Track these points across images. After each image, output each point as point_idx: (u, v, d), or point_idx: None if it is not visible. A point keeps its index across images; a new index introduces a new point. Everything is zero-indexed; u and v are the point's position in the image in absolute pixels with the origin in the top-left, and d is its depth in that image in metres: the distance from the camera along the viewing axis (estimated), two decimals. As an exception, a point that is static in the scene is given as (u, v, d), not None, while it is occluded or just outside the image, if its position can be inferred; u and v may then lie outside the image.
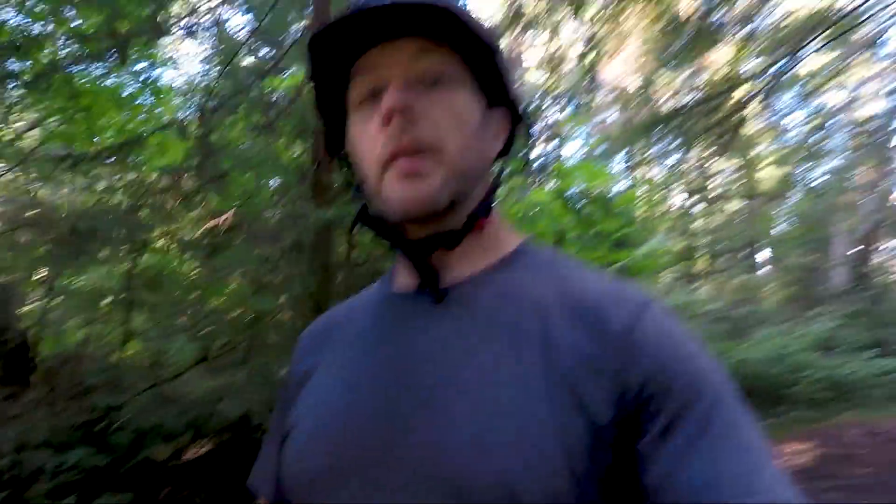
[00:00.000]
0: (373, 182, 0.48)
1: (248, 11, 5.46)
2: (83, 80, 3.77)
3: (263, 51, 5.76)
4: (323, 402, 0.50)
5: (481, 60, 0.48)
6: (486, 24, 0.50)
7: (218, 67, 4.71)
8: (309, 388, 0.54)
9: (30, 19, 3.14)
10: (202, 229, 3.26)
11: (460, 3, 0.49)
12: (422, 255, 0.50)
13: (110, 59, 3.05)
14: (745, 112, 5.26)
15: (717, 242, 13.58)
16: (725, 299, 9.81)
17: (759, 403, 5.78)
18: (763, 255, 14.13)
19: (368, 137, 0.47)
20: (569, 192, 5.10)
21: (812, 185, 13.75)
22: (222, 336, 3.44)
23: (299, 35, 4.08)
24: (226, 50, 5.03)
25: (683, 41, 4.99)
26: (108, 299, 3.73)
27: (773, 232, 13.48)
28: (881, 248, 14.43)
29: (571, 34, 6.27)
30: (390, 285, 0.56)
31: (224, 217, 3.11)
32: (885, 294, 11.20)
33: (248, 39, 4.79)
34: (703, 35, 4.88)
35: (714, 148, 5.81)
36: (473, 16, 0.46)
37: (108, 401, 3.05)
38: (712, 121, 5.39)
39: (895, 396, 5.95)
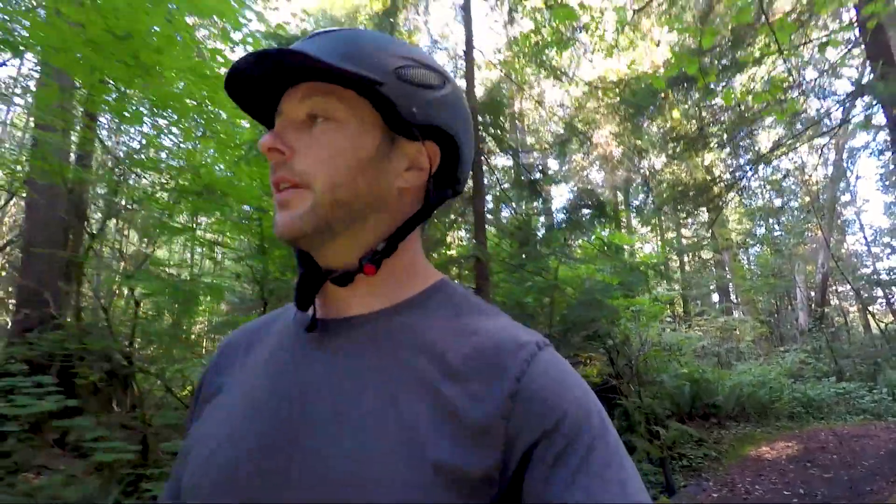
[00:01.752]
0: None
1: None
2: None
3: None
4: (217, 430, 0.50)
5: (378, 94, 0.48)
6: (389, 56, 0.49)
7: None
8: (211, 408, 0.54)
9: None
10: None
11: (358, 43, 0.49)
12: (308, 285, 0.52)
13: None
14: (726, 198, 7.13)
15: (699, 288, 15.50)
16: (711, 337, 11.55)
17: (754, 415, 7.38)
18: (737, 299, 16.12)
19: None
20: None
21: (771, 238, 16.01)
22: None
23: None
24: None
25: (678, 146, 6.84)
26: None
27: (745, 279, 15.49)
28: (835, 293, 16.71)
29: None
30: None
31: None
32: (838, 333, 13.24)
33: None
34: (696, 142, 6.76)
35: (703, 222, 7.64)
36: (369, 51, 0.49)
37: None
38: (701, 201, 7.24)
39: (850, 411, 7.69)
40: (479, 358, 0.46)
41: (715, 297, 17.85)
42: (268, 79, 0.50)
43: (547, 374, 0.45)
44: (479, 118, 4.70)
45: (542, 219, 6.24)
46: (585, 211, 5.02)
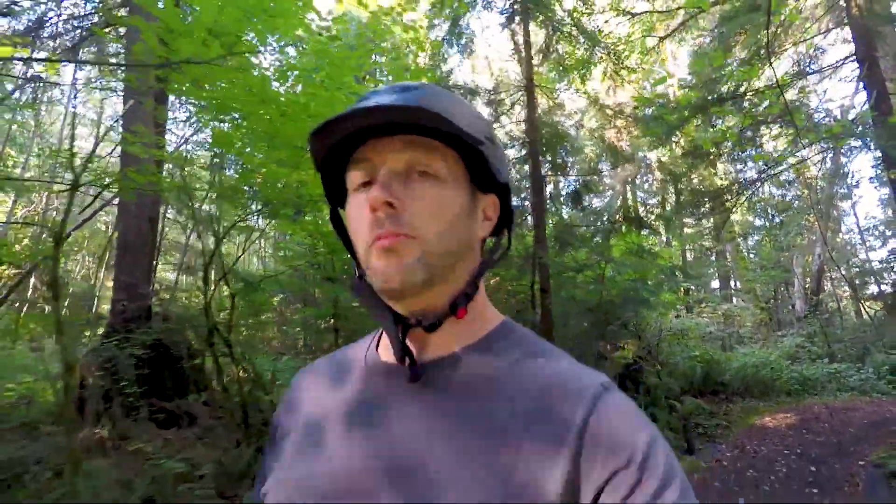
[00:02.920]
0: (362, 256, 0.53)
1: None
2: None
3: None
4: (297, 471, 0.52)
5: (470, 153, 0.53)
6: (478, 119, 0.55)
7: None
8: (288, 445, 0.56)
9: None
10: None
11: (453, 104, 0.53)
12: (400, 333, 0.53)
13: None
14: (736, 202, 8.08)
15: (701, 277, 16.53)
16: (715, 323, 12.62)
17: (757, 392, 8.47)
18: (738, 286, 17.19)
19: (362, 219, 0.52)
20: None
21: (770, 231, 16.99)
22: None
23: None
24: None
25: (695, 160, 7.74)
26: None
27: (747, 269, 16.52)
28: (829, 279, 17.78)
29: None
30: (377, 349, 0.59)
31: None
32: (832, 319, 14.36)
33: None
34: (708, 158, 7.69)
35: (713, 224, 8.63)
36: (464, 112, 0.53)
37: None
38: (715, 205, 8.18)
39: (840, 388, 8.80)
40: (546, 400, 0.48)
41: (714, 284, 18.95)
42: (366, 127, 0.51)
43: (614, 413, 0.47)
44: (543, 147, 5.61)
45: (583, 227, 7.21)
46: (621, 219, 5.96)
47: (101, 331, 6.53)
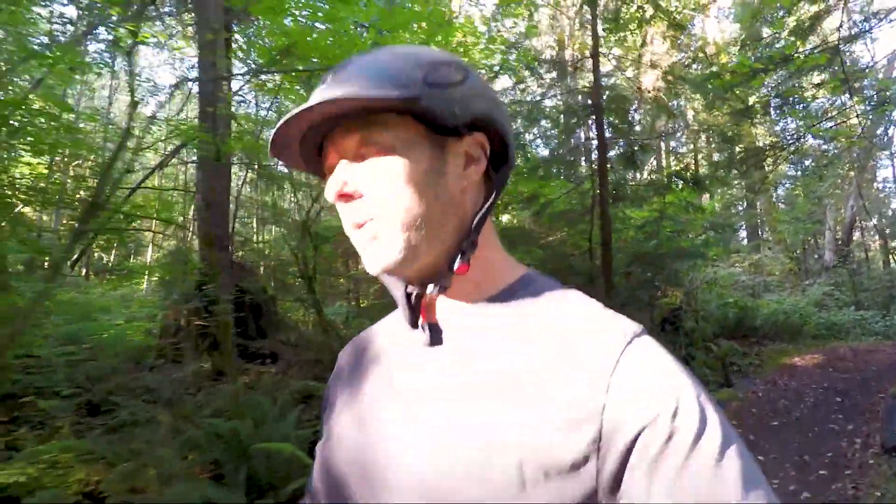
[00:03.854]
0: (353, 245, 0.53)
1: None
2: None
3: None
4: (340, 437, 0.57)
5: (417, 108, 0.49)
6: (414, 67, 0.50)
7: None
8: (334, 413, 0.61)
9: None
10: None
11: (373, 67, 0.50)
12: (411, 300, 0.55)
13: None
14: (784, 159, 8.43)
15: (728, 228, 16.90)
16: (745, 273, 13.20)
17: (786, 336, 9.19)
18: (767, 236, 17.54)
19: (339, 211, 0.53)
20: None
21: (807, 180, 17.07)
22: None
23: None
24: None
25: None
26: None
27: (779, 221, 16.81)
28: (860, 227, 17.98)
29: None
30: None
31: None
32: (860, 268, 14.78)
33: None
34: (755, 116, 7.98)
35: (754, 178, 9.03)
36: (388, 69, 0.49)
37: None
38: (756, 162, 8.56)
39: (865, 332, 9.47)
40: (570, 350, 0.46)
41: (742, 234, 19.30)
42: (309, 133, 0.52)
43: (643, 363, 0.44)
44: (605, 115, 6.10)
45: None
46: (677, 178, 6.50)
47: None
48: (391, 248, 0.50)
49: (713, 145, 9.46)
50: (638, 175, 7.83)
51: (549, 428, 0.43)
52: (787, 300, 10.63)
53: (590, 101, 6.34)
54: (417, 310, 0.55)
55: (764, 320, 9.41)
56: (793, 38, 7.26)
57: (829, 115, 7.85)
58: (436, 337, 0.54)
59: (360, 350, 0.65)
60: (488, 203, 0.55)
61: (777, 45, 7.34)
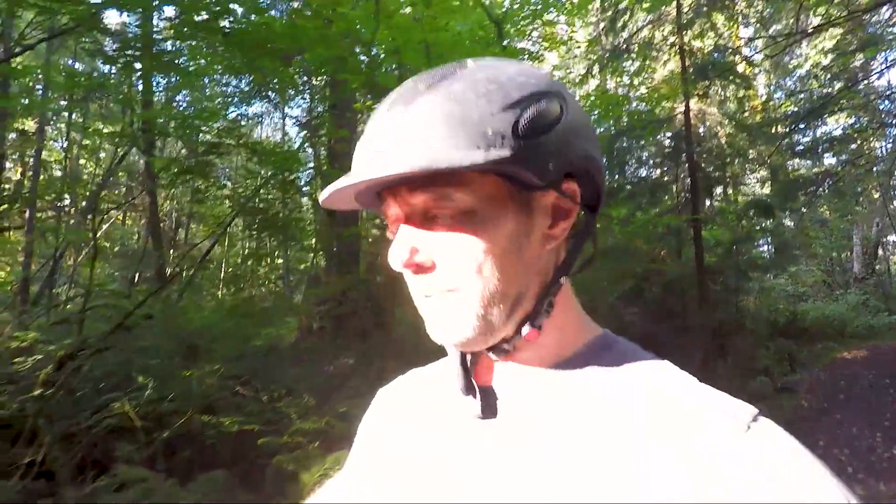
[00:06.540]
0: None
1: None
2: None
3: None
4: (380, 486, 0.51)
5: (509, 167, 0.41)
6: (503, 109, 0.41)
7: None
8: (360, 462, 0.57)
9: None
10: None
11: (449, 120, 0.41)
12: (467, 362, 0.49)
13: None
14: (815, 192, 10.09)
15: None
16: (789, 283, 14.78)
17: (832, 336, 10.77)
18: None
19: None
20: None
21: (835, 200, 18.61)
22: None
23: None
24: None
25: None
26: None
27: (808, 236, 18.36)
28: (884, 246, 19.49)
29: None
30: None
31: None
32: (887, 278, 16.29)
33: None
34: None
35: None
36: (473, 116, 0.40)
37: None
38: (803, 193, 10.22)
39: (899, 334, 11.08)
40: (672, 428, 0.38)
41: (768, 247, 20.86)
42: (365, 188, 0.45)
43: (765, 450, 0.36)
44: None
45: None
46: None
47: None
48: (465, 325, 0.44)
49: (764, 179, 11.22)
50: (710, 202, 9.54)
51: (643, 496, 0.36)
52: (829, 307, 12.21)
53: (683, 144, 8.09)
54: (472, 373, 0.49)
55: (811, 323, 11.00)
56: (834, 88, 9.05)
57: (853, 139, 9.57)
58: (489, 409, 0.47)
59: (400, 403, 0.58)
60: (573, 260, 0.48)
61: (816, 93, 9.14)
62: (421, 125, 0.41)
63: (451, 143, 0.40)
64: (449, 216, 0.43)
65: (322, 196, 0.45)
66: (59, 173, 8.99)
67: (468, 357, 0.50)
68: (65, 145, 9.59)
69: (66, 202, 7.42)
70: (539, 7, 6.38)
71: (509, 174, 0.42)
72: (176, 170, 5.71)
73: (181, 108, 5.30)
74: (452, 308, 0.45)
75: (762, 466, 0.35)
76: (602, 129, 8.46)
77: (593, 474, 0.39)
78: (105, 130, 6.64)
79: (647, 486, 0.37)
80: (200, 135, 5.00)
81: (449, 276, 0.44)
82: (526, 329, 0.46)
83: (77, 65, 8.41)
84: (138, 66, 4.91)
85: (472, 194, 0.43)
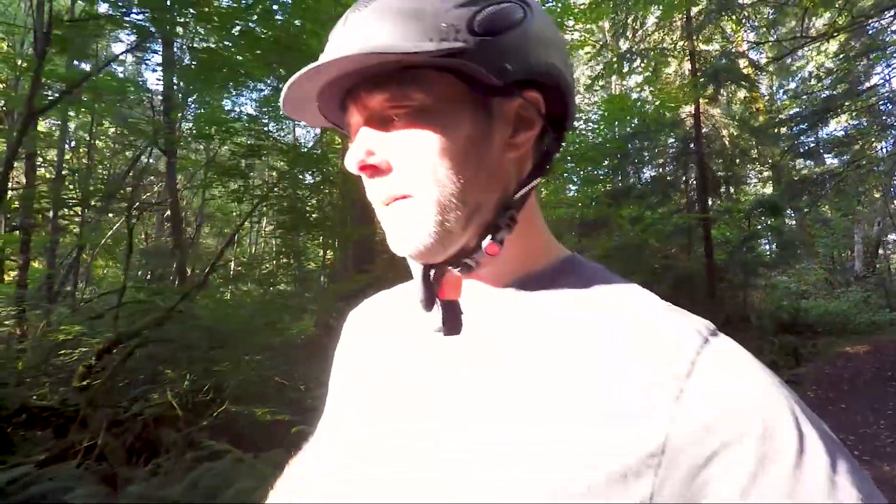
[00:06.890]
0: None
1: None
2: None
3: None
4: (336, 421, 0.54)
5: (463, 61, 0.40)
6: (457, 5, 0.41)
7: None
8: (337, 385, 0.59)
9: None
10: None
11: (407, 12, 0.40)
12: (431, 281, 0.48)
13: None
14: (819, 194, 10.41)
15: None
16: (792, 281, 15.10)
17: (835, 331, 11.07)
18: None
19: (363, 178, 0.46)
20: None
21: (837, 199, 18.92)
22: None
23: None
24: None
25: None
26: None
27: (810, 235, 18.69)
28: (884, 245, 19.80)
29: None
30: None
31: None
32: (887, 278, 16.60)
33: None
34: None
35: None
36: (426, 11, 0.40)
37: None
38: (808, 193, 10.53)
39: (900, 330, 11.39)
40: (627, 350, 0.39)
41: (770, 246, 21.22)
42: (326, 87, 0.43)
43: (722, 370, 0.36)
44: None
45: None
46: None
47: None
48: (422, 231, 0.44)
49: (766, 179, 11.60)
50: (717, 202, 9.86)
51: (597, 434, 0.36)
52: (832, 304, 12.52)
53: (692, 145, 8.38)
54: (435, 288, 0.48)
55: (815, 319, 11.31)
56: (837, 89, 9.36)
57: (855, 141, 9.87)
58: (452, 323, 0.46)
59: (370, 319, 0.59)
60: (536, 174, 0.47)
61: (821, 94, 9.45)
62: (375, 18, 0.41)
63: (402, 33, 0.40)
64: (406, 116, 0.43)
65: (282, 96, 0.43)
66: (69, 173, 9.24)
67: (431, 271, 0.48)
68: (90, 143, 9.90)
69: (94, 201, 7.70)
70: (559, 10, 6.66)
71: (465, 72, 0.42)
72: (211, 173, 5.99)
73: (226, 112, 5.59)
74: (409, 214, 0.44)
75: (716, 380, 0.36)
76: (609, 134, 8.81)
77: (569, 393, 0.38)
78: (131, 130, 6.91)
79: (629, 407, 0.36)
80: (240, 138, 5.30)
81: (405, 179, 0.43)
82: (486, 241, 0.45)
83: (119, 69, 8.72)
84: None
85: (429, 93, 0.42)
